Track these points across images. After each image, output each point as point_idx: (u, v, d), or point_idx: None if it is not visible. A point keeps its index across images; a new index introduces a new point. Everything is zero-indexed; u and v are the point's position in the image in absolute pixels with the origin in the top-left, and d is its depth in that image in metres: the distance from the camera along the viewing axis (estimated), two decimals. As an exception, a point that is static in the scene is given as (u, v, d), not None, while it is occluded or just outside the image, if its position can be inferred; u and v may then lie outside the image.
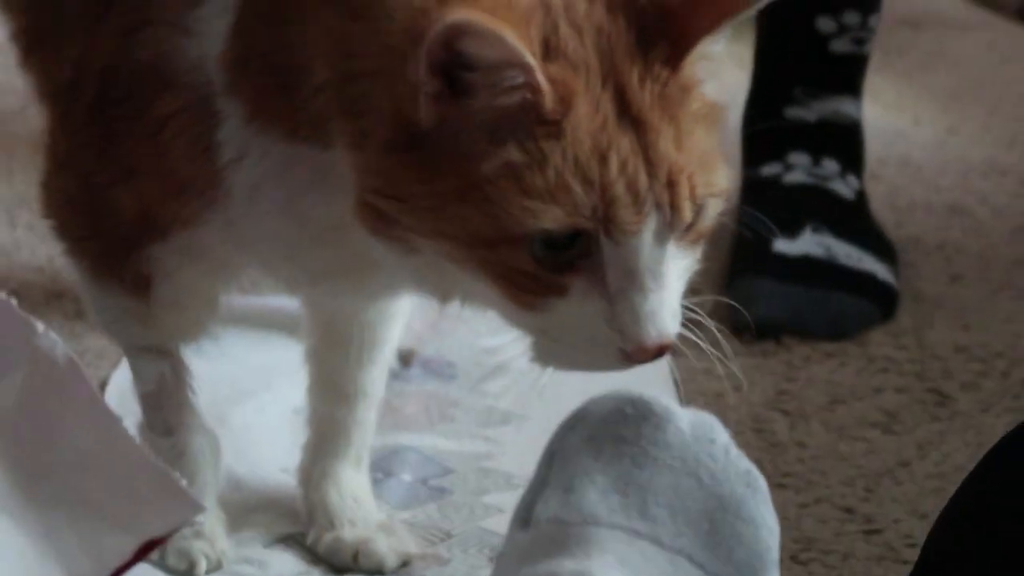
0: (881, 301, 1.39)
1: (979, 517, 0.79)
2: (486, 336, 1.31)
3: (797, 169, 1.46)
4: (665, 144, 0.72)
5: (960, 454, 1.15)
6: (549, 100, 0.70)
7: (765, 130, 1.45)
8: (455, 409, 1.19)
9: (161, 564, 0.96)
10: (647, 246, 0.73)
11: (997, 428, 1.18)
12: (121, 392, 1.03)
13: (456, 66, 0.70)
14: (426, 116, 0.71)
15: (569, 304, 0.73)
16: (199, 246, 0.88)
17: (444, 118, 0.71)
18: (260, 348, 1.25)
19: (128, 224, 0.89)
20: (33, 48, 0.93)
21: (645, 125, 0.72)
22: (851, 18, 1.47)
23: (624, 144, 0.71)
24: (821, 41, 1.47)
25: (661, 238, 0.73)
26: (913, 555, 1.01)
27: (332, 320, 1.00)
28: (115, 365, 1.16)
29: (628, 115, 0.72)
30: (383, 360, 1.02)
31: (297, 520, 1.03)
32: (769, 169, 1.46)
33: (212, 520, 0.97)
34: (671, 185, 0.72)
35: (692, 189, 0.73)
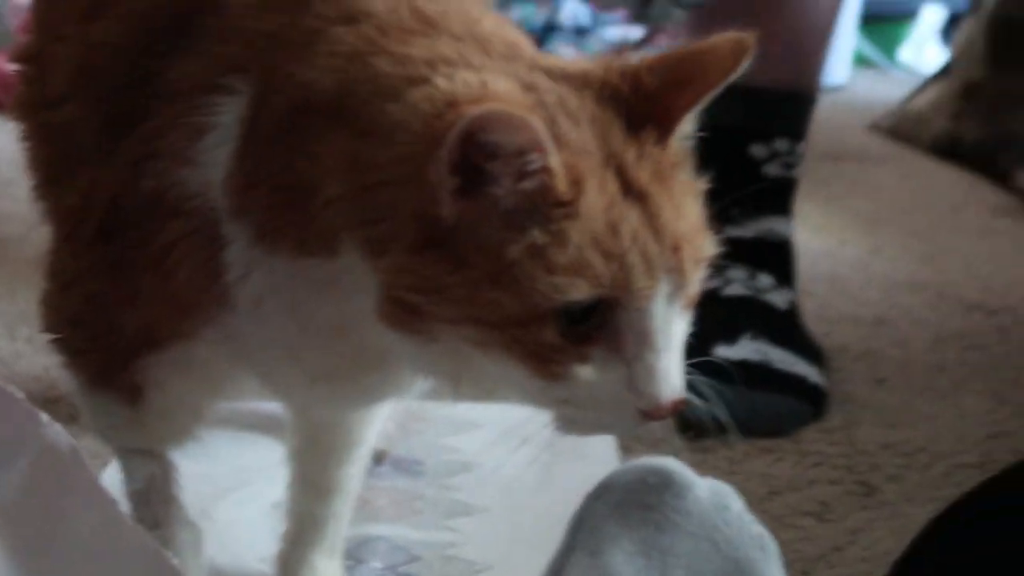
0: (813, 401, 1.41)
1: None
2: (451, 436, 1.32)
3: (735, 283, 1.49)
4: (667, 214, 0.73)
5: (887, 540, 1.16)
6: (563, 183, 0.71)
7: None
8: (422, 502, 1.19)
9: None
10: (660, 309, 0.73)
11: (920, 517, 1.17)
12: (112, 488, 1.03)
13: (475, 159, 0.70)
14: (449, 212, 0.71)
15: (591, 372, 0.73)
16: (195, 358, 0.87)
17: (466, 211, 0.71)
18: (241, 448, 1.25)
19: (128, 339, 0.87)
20: (49, 177, 0.92)
21: (648, 199, 0.73)
22: (782, 145, 1.50)
23: (633, 217, 0.72)
24: (755, 165, 1.50)
25: (671, 301, 0.74)
26: (846, 631, 1.03)
27: (315, 423, 1.00)
28: (107, 464, 1.16)
29: (632, 191, 0.73)
30: (361, 459, 1.01)
31: (275, 606, 1.03)
32: (710, 283, 1.49)
33: (197, 606, 0.96)
34: (676, 251, 0.73)
35: (693, 253, 0.74)
